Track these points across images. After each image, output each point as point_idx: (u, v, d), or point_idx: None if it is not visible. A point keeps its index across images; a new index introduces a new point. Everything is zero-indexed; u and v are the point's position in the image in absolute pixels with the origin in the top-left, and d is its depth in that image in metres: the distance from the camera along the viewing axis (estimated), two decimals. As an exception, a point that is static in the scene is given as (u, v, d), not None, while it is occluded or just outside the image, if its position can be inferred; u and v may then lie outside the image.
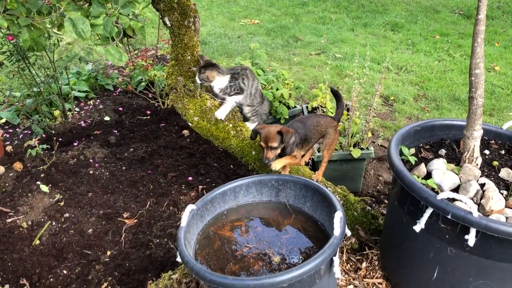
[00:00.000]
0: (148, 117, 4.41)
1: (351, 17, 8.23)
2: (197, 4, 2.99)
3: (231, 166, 3.56)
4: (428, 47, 6.47)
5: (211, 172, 3.49)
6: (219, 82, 2.99)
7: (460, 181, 2.18)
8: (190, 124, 2.96)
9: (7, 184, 3.38)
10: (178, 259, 1.89)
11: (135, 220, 2.99)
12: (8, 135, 4.10)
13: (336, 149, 3.34)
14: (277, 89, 3.88)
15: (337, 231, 1.85)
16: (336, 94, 2.87)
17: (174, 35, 2.83)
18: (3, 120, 4.11)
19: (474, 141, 2.28)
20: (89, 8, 2.18)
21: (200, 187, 3.29)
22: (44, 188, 3.28)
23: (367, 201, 2.84)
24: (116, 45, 1.97)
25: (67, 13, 2.21)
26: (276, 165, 2.49)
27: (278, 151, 2.49)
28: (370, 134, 3.35)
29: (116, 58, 1.76)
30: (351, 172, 3.33)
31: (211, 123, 2.96)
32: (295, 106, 3.95)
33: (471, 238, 1.85)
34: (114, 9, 2.10)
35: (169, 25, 2.85)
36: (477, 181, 2.17)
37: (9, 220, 3.01)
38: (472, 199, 2.08)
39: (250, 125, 3.26)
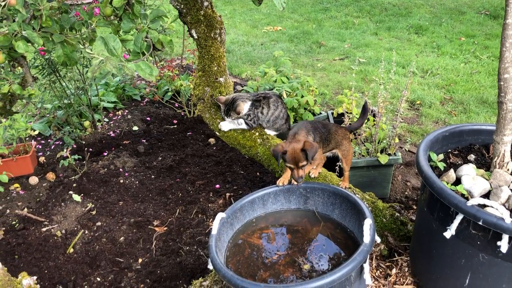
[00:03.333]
0: (175, 126, 4.49)
1: (374, 21, 8.19)
2: (221, 15, 3.05)
3: (257, 173, 3.60)
4: (454, 50, 6.40)
5: (238, 180, 3.53)
6: (245, 107, 3.05)
7: (491, 187, 2.16)
8: (217, 133, 3.01)
9: (41, 194, 3.50)
10: (210, 266, 1.93)
11: (165, 228, 3.05)
12: (40, 146, 4.23)
13: (362, 155, 3.34)
14: (302, 96, 3.91)
15: (367, 238, 1.86)
16: (364, 108, 2.89)
17: (201, 46, 2.89)
18: (36, 132, 4.25)
19: (504, 146, 2.26)
20: (119, 23, 2.26)
21: (228, 194, 3.33)
22: (76, 197, 3.38)
23: (396, 207, 2.84)
24: (146, 59, 2.03)
25: (97, 28, 2.29)
26: (316, 174, 2.65)
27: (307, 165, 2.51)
28: (397, 140, 3.34)
29: (147, 73, 1.82)
30: (378, 178, 3.32)
31: (238, 132, 3.00)
32: (320, 113, 3.96)
33: (503, 245, 1.83)
34: (143, 24, 2.16)
35: (196, 37, 2.92)
36: (508, 187, 2.15)
37: (44, 229, 3.11)
38: (503, 205, 2.06)
39: (268, 131, 3.31)
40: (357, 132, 3.43)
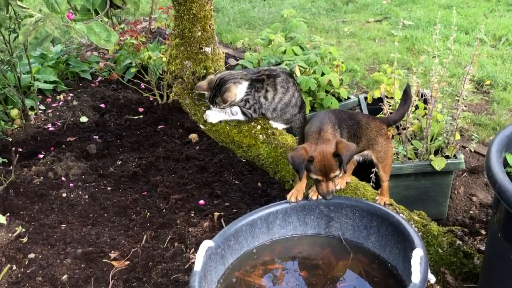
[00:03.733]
0: (141, 116, 4.47)
1: (425, -34, 8.19)
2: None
3: (259, 184, 3.59)
4: (539, 7, 6.40)
5: (231, 193, 3.52)
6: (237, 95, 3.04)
7: None
8: (202, 126, 3.01)
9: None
10: (192, 318, 1.93)
11: (127, 262, 3.04)
12: (-51, 145, 4.21)
13: (409, 158, 3.34)
14: (323, 74, 3.90)
15: (416, 277, 1.85)
16: (406, 93, 2.89)
17: (179, 2, 2.88)
18: None
19: None
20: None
21: (216, 214, 3.33)
22: (0, 218, 3.37)
23: (457, 233, 2.84)
24: (100, 20, 2.03)
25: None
26: (344, 184, 2.71)
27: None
28: (458, 136, 3.35)
29: (102, 38, 1.81)
30: (432, 190, 3.32)
31: (232, 125, 3.00)
32: (348, 97, 3.95)
33: None
34: (96, -31, 2.16)
35: (171, -12, 2.91)
36: None
37: (-47, 264, 3.10)
38: None
39: (275, 124, 3.30)
40: (400, 125, 3.42)
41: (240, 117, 2.98)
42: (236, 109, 2.97)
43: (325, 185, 2.28)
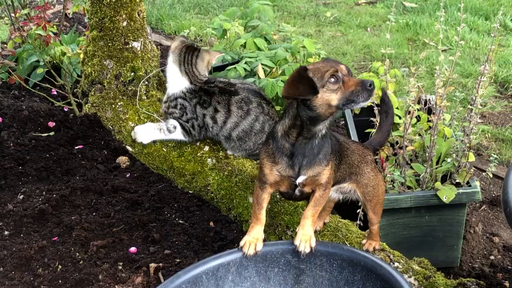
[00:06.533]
0: (52, 133, 4.43)
1: None
2: None
3: (211, 223, 3.59)
4: None
5: (173, 237, 3.52)
6: (178, 82, 3.05)
7: None
8: (129, 148, 3.00)
9: None
10: None
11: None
12: None
13: (409, 187, 3.36)
14: (294, 75, 3.92)
15: None
16: (384, 102, 2.95)
17: (96, -18, 2.88)
18: None
19: None
20: None
21: (153, 265, 3.32)
22: None
23: (471, 287, 2.85)
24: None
25: None
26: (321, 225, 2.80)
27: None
28: (472, 157, 3.36)
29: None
30: (439, 229, 3.35)
31: (170, 146, 2.99)
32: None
33: None
34: None
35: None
36: None
37: None
38: None
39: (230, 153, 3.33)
40: (395, 144, 3.45)
41: (180, 135, 2.98)
42: (173, 122, 2.97)
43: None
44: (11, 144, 4.34)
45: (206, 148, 3.05)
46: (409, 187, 3.35)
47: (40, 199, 3.83)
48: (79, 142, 4.32)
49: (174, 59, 3.11)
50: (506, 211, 2.25)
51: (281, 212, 3.23)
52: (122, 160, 4.11)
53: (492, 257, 3.49)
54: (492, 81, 4.87)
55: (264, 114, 3.22)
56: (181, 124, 2.97)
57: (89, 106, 2.99)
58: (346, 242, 2.78)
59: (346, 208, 3.19)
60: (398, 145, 3.42)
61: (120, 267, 3.35)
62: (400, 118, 3.57)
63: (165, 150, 3.02)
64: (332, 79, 2.32)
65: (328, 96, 2.32)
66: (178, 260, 3.34)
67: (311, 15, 6.25)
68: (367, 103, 2.42)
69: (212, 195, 2.99)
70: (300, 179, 2.52)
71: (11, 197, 3.87)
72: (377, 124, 3.09)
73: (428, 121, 3.47)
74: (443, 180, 3.35)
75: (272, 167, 2.51)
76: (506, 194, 2.29)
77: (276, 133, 2.53)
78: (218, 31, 4.32)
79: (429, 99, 3.66)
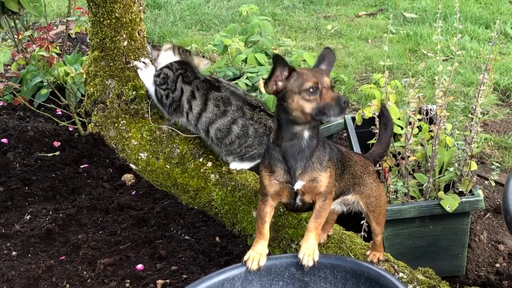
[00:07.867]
0: (58, 153, 4.44)
1: None
2: None
3: (217, 239, 3.59)
4: None
5: (179, 253, 3.51)
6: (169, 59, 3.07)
7: None
8: (133, 166, 3.01)
9: None
10: None
11: None
12: None
13: (412, 197, 3.36)
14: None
15: None
16: (383, 114, 2.96)
17: (96, 3, 2.89)
18: None
19: None
20: None
21: (160, 282, 3.32)
22: None
23: (476, 295, 2.85)
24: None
25: None
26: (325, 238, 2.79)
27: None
28: (474, 165, 3.35)
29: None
30: (444, 238, 3.35)
31: (173, 163, 3.00)
32: (330, 118, 3.99)
33: None
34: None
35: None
36: None
37: None
38: None
39: (232, 165, 3.32)
40: (397, 154, 3.45)
41: (151, 91, 3.03)
42: (149, 72, 3.04)
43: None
44: (17, 165, 4.36)
45: (209, 164, 3.06)
46: (412, 197, 3.35)
47: (47, 219, 3.84)
48: (84, 161, 4.34)
49: (168, 48, 3.14)
50: (507, 219, 2.25)
51: (285, 226, 3.25)
52: (128, 177, 4.12)
53: (497, 265, 3.49)
54: (493, 89, 4.88)
55: (246, 119, 3.22)
56: (156, 90, 3.01)
57: (92, 126, 3.02)
58: (350, 254, 2.78)
59: (350, 220, 3.18)
60: (400, 155, 3.42)
61: (127, 285, 3.35)
62: (401, 128, 3.57)
63: (168, 167, 3.03)
64: (310, 90, 2.36)
65: (303, 103, 2.36)
66: (185, 276, 3.34)
67: (312, 28, 6.27)
68: (339, 119, 2.46)
69: (216, 210, 3.00)
70: (297, 185, 2.53)
71: (18, 218, 3.87)
72: (377, 136, 3.09)
73: (430, 131, 3.47)
74: (446, 189, 3.35)
75: (270, 177, 2.54)
76: (506, 203, 2.30)
77: (269, 142, 2.59)
78: (219, 47, 4.33)
79: (430, 109, 3.66)
